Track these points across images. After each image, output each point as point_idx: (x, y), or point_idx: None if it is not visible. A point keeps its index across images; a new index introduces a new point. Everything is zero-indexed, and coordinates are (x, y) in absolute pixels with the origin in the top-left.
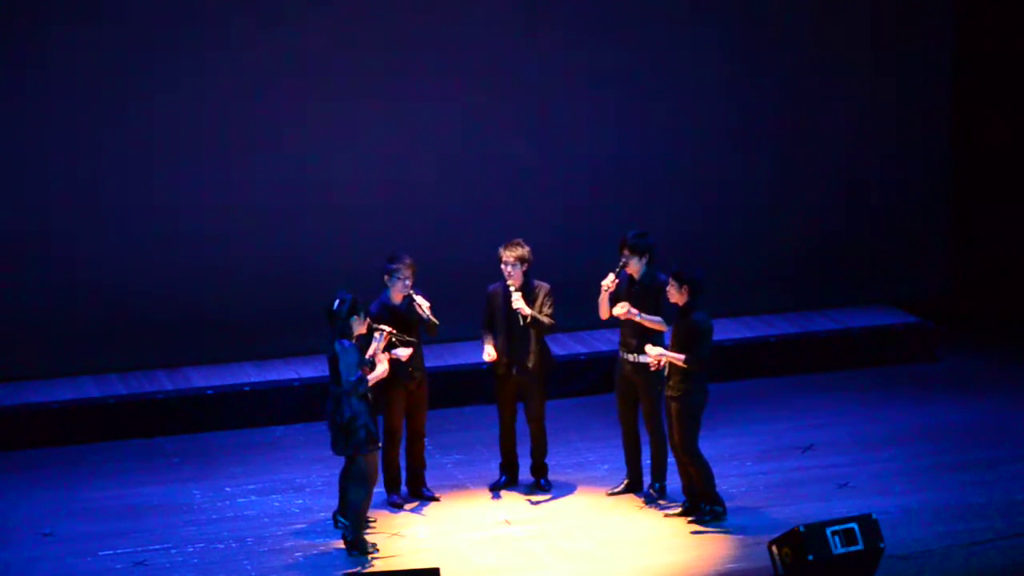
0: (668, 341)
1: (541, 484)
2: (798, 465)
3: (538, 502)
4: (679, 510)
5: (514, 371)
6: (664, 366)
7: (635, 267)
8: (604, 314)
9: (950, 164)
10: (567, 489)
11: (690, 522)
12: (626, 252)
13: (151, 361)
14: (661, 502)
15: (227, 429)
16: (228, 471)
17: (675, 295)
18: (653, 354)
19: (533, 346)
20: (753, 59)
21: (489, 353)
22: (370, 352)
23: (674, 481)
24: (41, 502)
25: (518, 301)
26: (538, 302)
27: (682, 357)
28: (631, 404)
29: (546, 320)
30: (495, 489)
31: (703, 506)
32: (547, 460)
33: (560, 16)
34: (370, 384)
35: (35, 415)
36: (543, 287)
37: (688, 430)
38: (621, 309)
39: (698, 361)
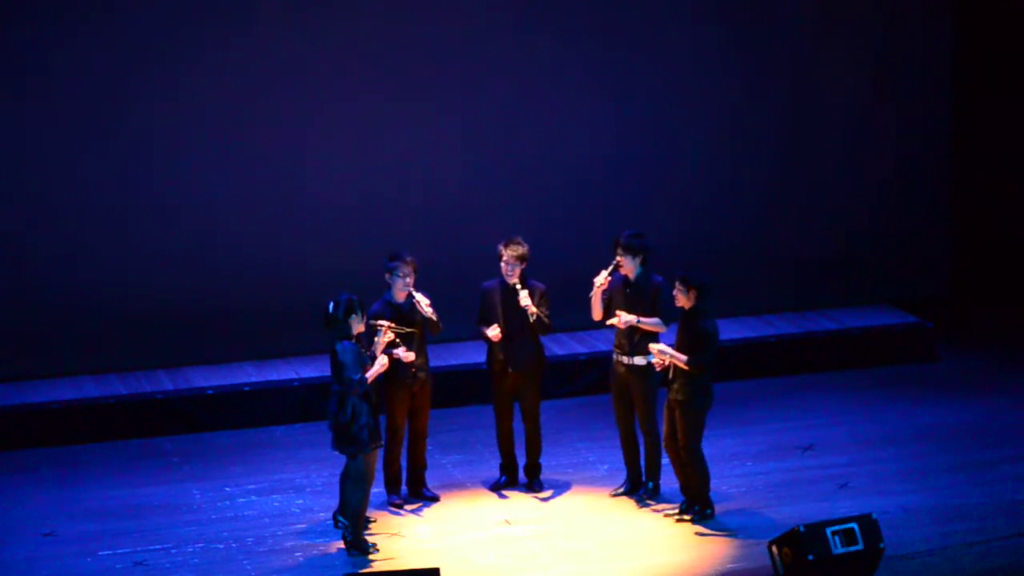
0: (673, 342)
1: (534, 485)
2: (798, 465)
3: (538, 502)
4: (678, 510)
5: (509, 369)
6: (669, 366)
7: (629, 267)
8: (596, 314)
9: (950, 164)
10: (567, 489)
11: (678, 520)
12: (619, 251)
13: (151, 361)
14: (650, 501)
15: (227, 429)
16: (228, 471)
17: (682, 299)
18: (656, 350)
19: (531, 344)
20: (753, 58)
21: (494, 331)
22: (371, 349)
23: (668, 482)
24: (41, 502)
25: (526, 299)
26: (535, 302)
27: (684, 358)
28: (627, 406)
29: (547, 321)
30: (496, 489)
31: (695, 507)
32: (542, 460)
33: (559, 16)
34: (369, 380)
35: (35, 415)
36: (539, 288)
37: (692, 433)
38: (617, 320)
39: (699, 365)
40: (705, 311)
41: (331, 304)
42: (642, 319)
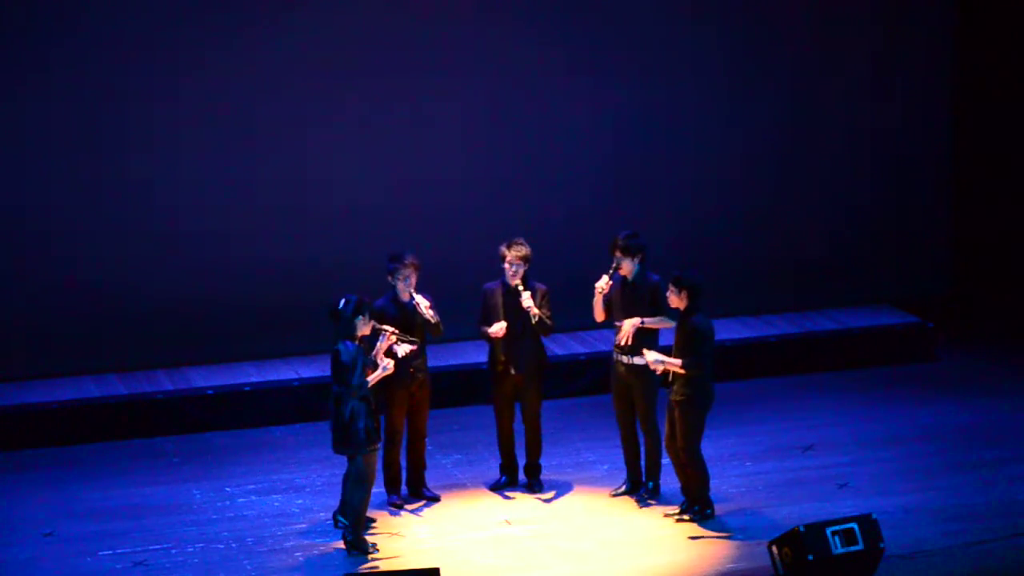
0: (671, 344)
1: (534, 486)
2: (798, 465)
3: (538, 502)
4: (678, 510)
5: (512, 371)
6: (667, 371)
7: (628, 268)
8: (599, 316)
9: (950, 164)
10: (567, 489)
11: (678, 520)
12: (618, 254)
13: (151, 361)
14: (651, 501)
15: (227, 429)
16: (228, 471)
17: (675, 300)
18: (650, 360)
19: (532, 345)
20: (754, 58)
21: (499, 327)
22: (374, 353)
23: (668, 482)
24: (41, 502)
25: (528, 301)
26: (536, 303)
27: (679, 362)
28: (628, 406)
29: (549, 322)
30: (496, 489)
31: (695, 507)
32: (542, 460)
33: (559, 16)
34: (371, 383)
35: (35, 415)
36: (540, 288)
37: (691, 433)
38: (622, 335)
39: (696, 365)
40: (698, 310)
41: (342, 301)
42: (647, 320)
